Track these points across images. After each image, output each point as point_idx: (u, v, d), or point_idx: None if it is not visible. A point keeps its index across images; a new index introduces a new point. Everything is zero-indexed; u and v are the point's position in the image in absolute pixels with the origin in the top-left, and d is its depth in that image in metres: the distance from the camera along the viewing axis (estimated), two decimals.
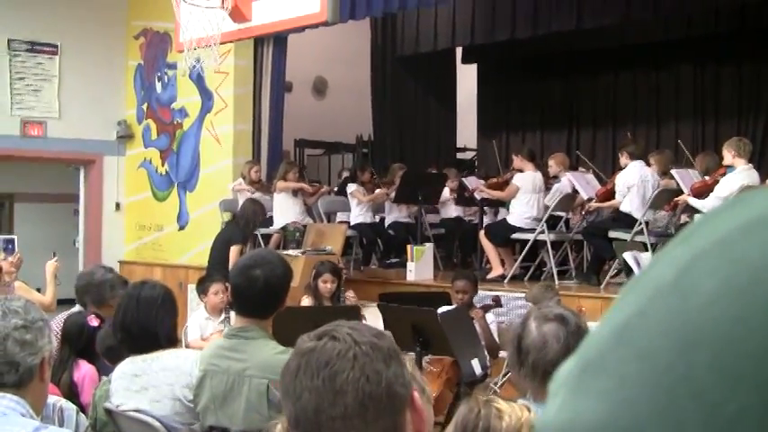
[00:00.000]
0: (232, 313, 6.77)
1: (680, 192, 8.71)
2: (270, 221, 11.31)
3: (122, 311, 4.18)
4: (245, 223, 9.76)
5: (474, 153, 16.64)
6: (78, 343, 5.05)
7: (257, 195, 11.11)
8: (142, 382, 4.11)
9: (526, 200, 9.76)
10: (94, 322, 5.23)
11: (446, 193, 11.70)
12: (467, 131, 16.32)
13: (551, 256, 9.59)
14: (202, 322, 7.34)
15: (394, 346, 1.61)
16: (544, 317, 2.67)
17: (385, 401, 1.51)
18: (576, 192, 9.87)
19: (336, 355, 1.52)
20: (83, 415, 3.82)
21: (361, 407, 1.50)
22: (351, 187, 11.52)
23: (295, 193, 11.20)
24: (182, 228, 13.16)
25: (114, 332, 4.27)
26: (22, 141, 13.07)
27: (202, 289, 7.48)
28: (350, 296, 7.63)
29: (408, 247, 10.18)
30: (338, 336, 1.56)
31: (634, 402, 0.48)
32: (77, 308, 5.66)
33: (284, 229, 11.00)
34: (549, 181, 10.18)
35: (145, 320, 4.13)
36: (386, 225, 11.69)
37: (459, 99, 16.25)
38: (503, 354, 6.45)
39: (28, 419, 2.36)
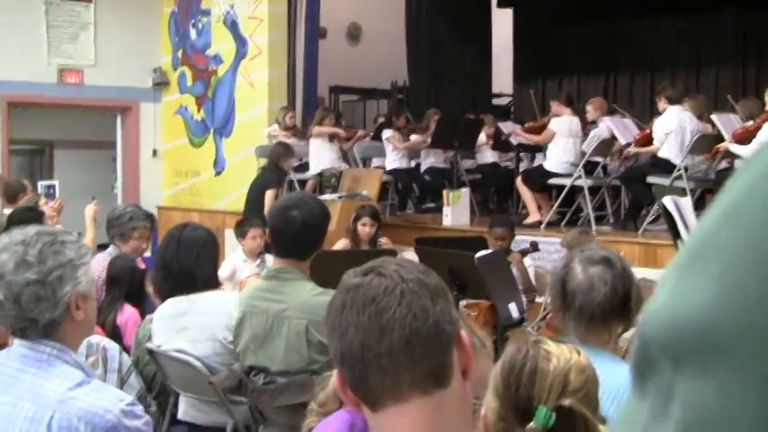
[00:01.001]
0: (268, 256, 6.90)
1: (719, 137, 8.60)
2: (306, 167, 11.34)
3: (162, 250, 4.31)
4: (274, 166, 9.88)
5: (510, 99, 16.40)
6: (127, 286, 5.08)
7: (292, 141, 11.10)
8: (183, 323, 4.17)
9: (563, 144, 9.67)
10: (142, 265, 5.38)
11: (482, 138, 11.62)
12: (502, 77, 16.15)
13: (588, 202, 9.50)
14: (239, 264, 7.43)
15: (441, 283, 1.57)
16: (589, 259, 2.62)
17: (432, 339, 1.49)
18: (614, 137, 9.74)
19: (383, 291, 1.49)
20: (125, 354, 3.92)
21: (407, 344, 1.47)
22: (386, 133, 11.45)
23: (331, 138, 11.17)
24: (218, 173, 13.21)
25: (156, 271, 4.38)
26: (60, 89, 13.10)
27: (240, 232, 7.55)
28: (384, 242, 7.63)
29: (444, 192, 10.15)
30: (385, 272, 1.53)
31: (742, 285, 0.47)
32: (110, 249, 5.70)
33: (320, 174, 11.13)
34: (587, 126, 10.08)
35: (184, 261, 4.21)
36: (421, 170, 11.66)
37: (494, 44, 16.08)
38: (539, 299, 6.42)
39: (74, 369, 2.31)
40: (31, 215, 5.77)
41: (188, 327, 4.13)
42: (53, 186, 9.10)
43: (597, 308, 2.53)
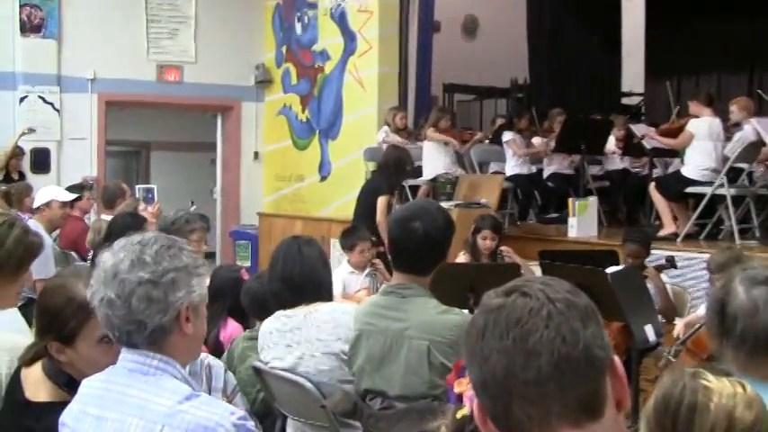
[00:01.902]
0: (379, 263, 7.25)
1: None
2: (418, 172, 11.22)
3: (281, 261, 4.29)
4: (390, 172, 9.63)
5: (641, 98, 16.11)
6: (231, 299, 5.06)
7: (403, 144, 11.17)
8: (296, 338, 4.18)
9: (703, 149, 9.29)
10: (247, 276, 5.32)
11: (611, 141, 11.46)
12: (633, 74, 15.90)
13: (732, 213, 9.12)
14: (346, 276, 7.39)
15: (591, 303, 1.51)
16: (752, 279, 2.47)
17: (583, 365, 1.43)
18: (761, 141, 9.27)
19: (528, 313, 1.45)
20: (230, 373, 3.87)
21: (556, 370, 1.42)
22: (507, 135, 11.31)
23: (446, 142, 10.97)
24: (323, 178, 13.21)
25: (271, 283, 4.35)
26: (159, 87, 13.33)
27: (348, 244, 7.50)
28: (506, 251, 7.51)
29: (569, 200, 10.00)
30: (529, 291, 1.49)
31: None
32: None
33: (434, 180, 10.88)
34: (730, 129, 9.70)
35: (309, 271, 4.24)
36: (544, 176, 11.53)
37: (624, 38, 15.84)
38: (678, 321, 6.21)
39: (181, 383, 2.34)
40: (134, 221, 5.90)
41: (301, 341, 4.15)
42: (152, 190, 9.22)
43: (762, 333, 2.40)
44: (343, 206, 11.66)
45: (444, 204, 9.74)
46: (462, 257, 7.55)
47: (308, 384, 4.00)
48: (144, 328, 2.30)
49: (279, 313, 4.31)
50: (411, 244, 3.61)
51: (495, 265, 7.10)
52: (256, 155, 14.10)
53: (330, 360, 4.11)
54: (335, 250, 9.96)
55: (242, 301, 4.89)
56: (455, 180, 10.76)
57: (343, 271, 7.51)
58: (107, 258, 2.36)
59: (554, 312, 1.46)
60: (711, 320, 2.51)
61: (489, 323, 1.49)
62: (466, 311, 4.44)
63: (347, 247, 7.49)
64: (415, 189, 11.18)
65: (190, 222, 5.72)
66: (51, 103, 12.49)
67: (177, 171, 16.09)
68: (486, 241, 7.43)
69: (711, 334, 2.53)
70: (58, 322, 2.66)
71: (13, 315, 3.37)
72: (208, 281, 2.48)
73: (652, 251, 7.35)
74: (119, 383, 2.35)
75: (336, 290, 7.01)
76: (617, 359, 1.50)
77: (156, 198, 8.79)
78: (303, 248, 4.31)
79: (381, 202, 9.27)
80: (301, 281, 4.25)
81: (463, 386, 1.78)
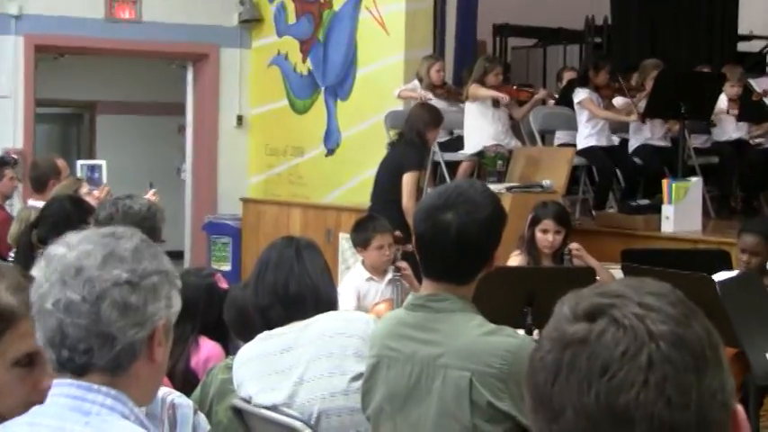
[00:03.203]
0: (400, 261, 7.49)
1: None
2: (458, 143, 11.29)
3: (273, 269, 4.38)
4: (419, 141, 9.69)
5: (765, 44, 16.13)
6: (204, 314, 5.15)
7: (440, 105, 10.95)
8: (290, 360, 4.22)
9: None
10: (224, 283, 5.38)
11: (722, 101, 11.34)
12: (754, 11, 15.76)
13: None
14: (361, 284, 7.51)
15: (708, 334, 1.47)
16: None
17: None
18: None
19: (621, 357, 1.41)
20: (202, 415, 3.75)
21: None
22: (580, 94, 11.25)
23: (495, 103, 11.01)
24: (330, 152, 13.19)
25: (257, 296, 4.43)
26: (108, 27, 13.28)
27: (362, 239, 7.56)
28: (576, 250, 7.54)
29: (664, 182, 9.96)
30: (622, 318, 1.45)
31: None
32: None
33: (480, 154, 10.88)
34: None
35: (309, 283, 4.34)
36: (630, 150, 11.47)
37: None
38: None
39: (135, 427, 2.33)
40: (75, 210, 5.85)
41: (299, 362, 4.18)
42: (98, 168, 9.10)
43: None
44: (357, 189, 11.77)
45: (494, 187, 9.86)
46: (516, 259, 7.59)
47: (307, 431, 4.04)
48: (111, 345, 2.30)
49: (264, 334, 4.36)
50: (442, 242, 3.61)
51: (560, 270, 7.13)
52: (240, 120, 14.14)
53: (339, 384, 4.11)
54: (346, 249, 10.34)
55: (226, 316, 4.95)
56: (508, 154, 10.76)
57: (356, 277, 7.63)
58: (63, 252, 2.35)
59: (657, 359, 1.41)
60: None
61: (563, 364, 1.46)
62: (522, 332, 4.42)
63: (362, 243, 7.58)
64: (453, 166, 11.23)
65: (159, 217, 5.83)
66: None
67: (132, 142, 16.10)
68: (548, 236, 7.49)
69: None
70: None
71: None
72: None
73: None
74: (50, 427, 2.30)
75: (348, 302, 7.19)
76: (739, 408, 1.47)
77: (104, 179, 8.75)
78: (303, 253, 4.43)
79: (408, 181, 9.31)
80: (298, 295, 4.36)
81: None
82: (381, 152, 10.63)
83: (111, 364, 2.31)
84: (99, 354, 2.29)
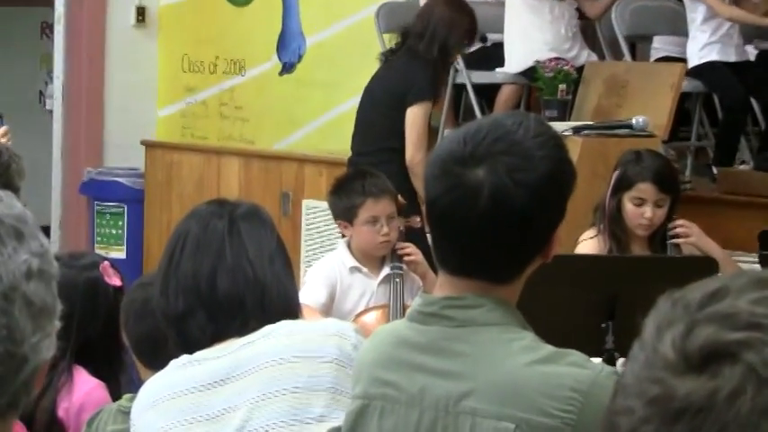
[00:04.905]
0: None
1: None
2: (494, 55, 11.07)
3: (193, 252, 4.34)
4: (433, 51, 9.69)
5: None
6: (82, 327, 5.23)
7: None
8: (221, 402, 4.15)
9: None
10: (115, 279, 5.48)
11: None
12: None
13: None
14: (340, 275, 7.56)
15: None
16: None
17: None
18: None
19: None
20: None
21: None
22: None
23: None
24: (288, 68, 12.91)
25: (167, 296, 4.35)
26: None
27: (344, 208, 7.56)
28: (684, 229, 7.74)
29: None
30: (764, 367, 1.44)
31: None
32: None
33: (530, 73, 10.76)
34: None
35: (252, 274, 4.28)
36: None
37: None
38: None
39: None
40: None
41: (233, 408, 4.11)
42: None
43: None
44: (330, 128, 11.86)
45: (558, 126, 9.50)
46: (589, 244, 7.69)
47: None
48: (17, 373, 2.27)
49: (182, 359, 4.18)
50: (472, 214, 3.48)
51: (661, 262, 7.26)
52: (141, 14, 13.72)
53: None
54: (315, 224, 10.51)
55: (126, 331, 4.94)
56: (575, 74, 10.70)
57: (334, 264, 7.64)
58: None
59: None
60: None
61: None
62: (598, 361, 4.17)
63: (345, 213, 7.64)
64: (488, 92, 11.11)
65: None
66: None
67: None
68: (644, 208, 7.55)
69: None
70: None
71: None
72: None
73: None
74: None
75: (316, 304, 7.26)
76: None
77: None
78: (241, 227, 4.31)
79: (416, 119, 9.48)
80: (231, 294, 4.25)
81: None
82: (370, 70, 10.50)
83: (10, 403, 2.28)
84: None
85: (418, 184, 8.43)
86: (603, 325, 5.86)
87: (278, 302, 4.35)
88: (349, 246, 7.61)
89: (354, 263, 7.52)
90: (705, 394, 1.45)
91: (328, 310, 7.38)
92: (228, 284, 4.28)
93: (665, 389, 1.47)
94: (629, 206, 7.52)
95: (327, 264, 7.39)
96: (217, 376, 4.21)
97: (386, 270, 7.51)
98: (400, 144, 9.29)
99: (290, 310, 4.38)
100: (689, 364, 1.48)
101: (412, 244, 7.56)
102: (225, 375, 4.22)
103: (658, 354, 1.52)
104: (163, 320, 4.43)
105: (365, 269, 7.52)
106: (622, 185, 7.56)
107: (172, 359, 4.30)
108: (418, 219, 7.86)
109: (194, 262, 4.30)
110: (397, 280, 7.51)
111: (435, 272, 4.35)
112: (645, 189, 7.51)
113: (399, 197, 7.78)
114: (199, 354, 4.22)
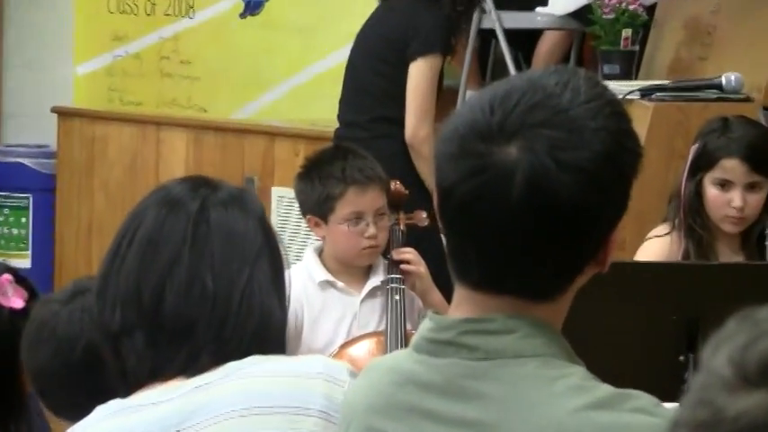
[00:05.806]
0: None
1: None
2: None
3: (142, 250, 4.27)
4: None
5: None
6: None
7: None
8: None
9: None
10: (16, 299, 5.37)
11: None
12: None
13: None
14: (311, 296, 7.49)
15: None
16: None
17: None
18: None
19: None
20: None
21: None
22: None
23: None
24: (253, 8, 12.69)
25: (102, 309, 4.36)
26: None
27: (319, 200, 7.55)
28: None
29: None
30: None
31: None
32: None
33: (584, 12, 11.14)
34: None
35: (210, 282, 4.20)
36: None
37: None
38: None
39: None
40: None
41: None
42: None
43: None
44: (309, 90, 11.81)
45: (612, 87, 9.67)
46: (660, 244, 7.68)
47: None
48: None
49: (114, 404, 4.06)
50: (501, 207, 3.38)
51: (757, 268, 7.15)
52: None
53: None
54: (289, 219, 10.73)
55: (27, 365, 4.93)
56: (645, 17, 10.78)
57: (298, 280, 7.29)
58: None
59: None
60: None
61: None
62: (668, 407, 3.83)
63: (319, 207, 7.70)
64: (526, 41, 11.02)
65: None
66: None
67: None
68: (733, 194, 7.51)
69: None
70: None
71: None
72: None
73: None
74: None
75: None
76: None
77: None
78: (211, 217, 4.18)
79: (423, 77, 9.58)
80: (181, 315, 4.11)
81: None
82: (363, 11, 10.74)
83: None
84: None
85: (423, 167, 8.70)
86: (682, 357, 5.85)
87: (248, 330, 4.26)
88: (320, 253, 7.41)
89: (326, 275, 7.41)
90: (764, 411, 1.69)
91: (294, 345, 7.02)
92: (177, 300, 4.19)
93: (714, 411, 1.71)
94: (711, 191, 7.55)
95: (288, 280, 6.87)
96: (160, 429, 4.10)
97: (373, 281, 7.36)
98: (399, 113, 9.36)
99: (266, 339, 4.30)
100: (745, 379, 1.74)
101: (414, 249, 7.43)
102: (172, 427, 4.12)
103: (712, 373, 1.76)
104: (100, 337, 4.43)
105: (340, 283, 7.43)
106: (703, 163, 7.56)
107: (95, 404, 4.15)
108: (424, 214, 7.86)
109: (141, 263, 4.22)
110: (397, 297, 7.44)
111: (443, 291, 3.91)
112: (732, 167, 7.50)
113: (398, 185, 7.77)
114: (135, 398, 4.11)
